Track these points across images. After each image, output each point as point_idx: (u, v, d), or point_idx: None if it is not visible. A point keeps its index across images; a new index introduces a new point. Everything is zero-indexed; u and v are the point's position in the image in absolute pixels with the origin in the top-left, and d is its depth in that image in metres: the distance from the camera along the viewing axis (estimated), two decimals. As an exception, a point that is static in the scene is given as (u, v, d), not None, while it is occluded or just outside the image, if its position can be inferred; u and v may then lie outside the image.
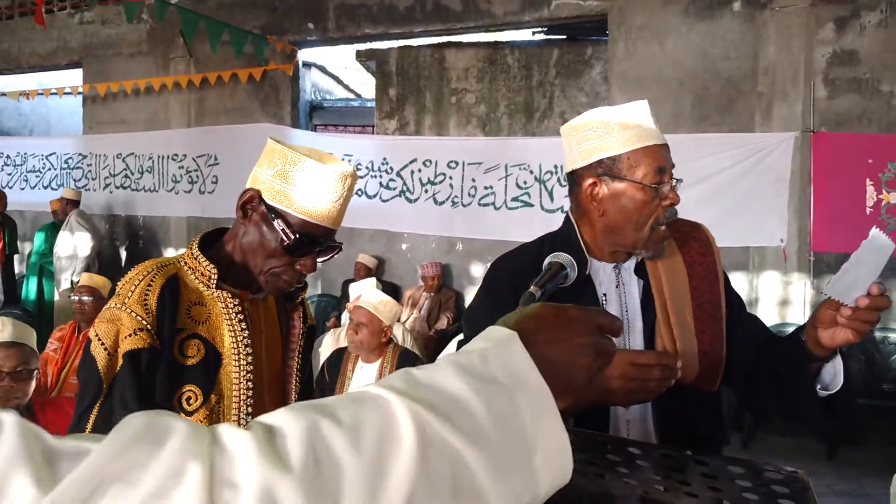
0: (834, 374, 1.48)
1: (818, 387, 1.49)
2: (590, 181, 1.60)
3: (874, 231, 1.33)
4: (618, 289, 1.62)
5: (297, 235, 1.49)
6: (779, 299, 5.85)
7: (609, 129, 1.57)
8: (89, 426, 1.42)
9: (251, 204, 1.53)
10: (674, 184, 1.55)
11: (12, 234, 8.33)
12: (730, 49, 6.07)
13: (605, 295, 1.61)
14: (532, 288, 1.40)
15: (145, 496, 0.48)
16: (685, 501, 1.26)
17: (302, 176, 1.48)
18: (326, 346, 4.44)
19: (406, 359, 3.71)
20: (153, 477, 0.49)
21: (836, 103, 5.78)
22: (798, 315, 5.81)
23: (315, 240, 1.52)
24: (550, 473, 0.64)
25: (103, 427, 1.42)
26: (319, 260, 1.57)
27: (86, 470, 0.48)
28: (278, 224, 1.49)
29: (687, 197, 5.92)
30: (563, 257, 1.50)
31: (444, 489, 0.57)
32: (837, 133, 5.73)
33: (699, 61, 6.16)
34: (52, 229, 7.96)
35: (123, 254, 9.00)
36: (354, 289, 4.56)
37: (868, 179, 5.64)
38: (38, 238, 7.96)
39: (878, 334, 5.74)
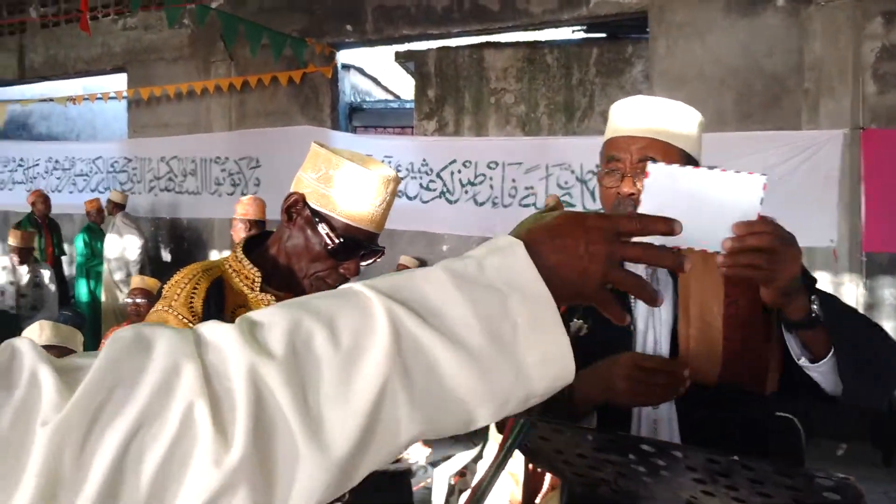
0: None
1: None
2: None
3: (651, 166, 1.18)
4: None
5: (341, 239, 1.50)
6: (826, 300, 5.73)
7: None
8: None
9: (296, 208, 1.54)
10: (631, 176, 1.51)
11: (59, 237, 8.53)
12: (774, 45, 5.96)
13: None
14: None
15: (150, 394, 0.54)
16: (733, 508, 1.24)
17: (345, 180, 1.49)
18: None
19: None
20: (153, 376, 0.55)
21: (886, 99, 5.63)
22: (847, 316, 5.67)
23: (359, 243, 1.53)
24: (547, 374, 0.68)
25: None
26: (363, 263, 1.58)
27: (93, 379, 0.54)
28: (322, 228, 1.50)
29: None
30: None
31: (418, 383, 0.62)
32: (888, 130, 5.58)
33: (742, 58, 6.06)
34: (89, 232, 8.11)
35: (168, 256, 9.16)
36: None
37: (921, 177, 5.50)
38: (78, 241, 8.12)
39: (931, 334, 5.59)
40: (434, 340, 0.63)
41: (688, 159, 1.54)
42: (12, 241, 6.09)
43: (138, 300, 4.54)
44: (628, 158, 1.53)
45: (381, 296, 0.64)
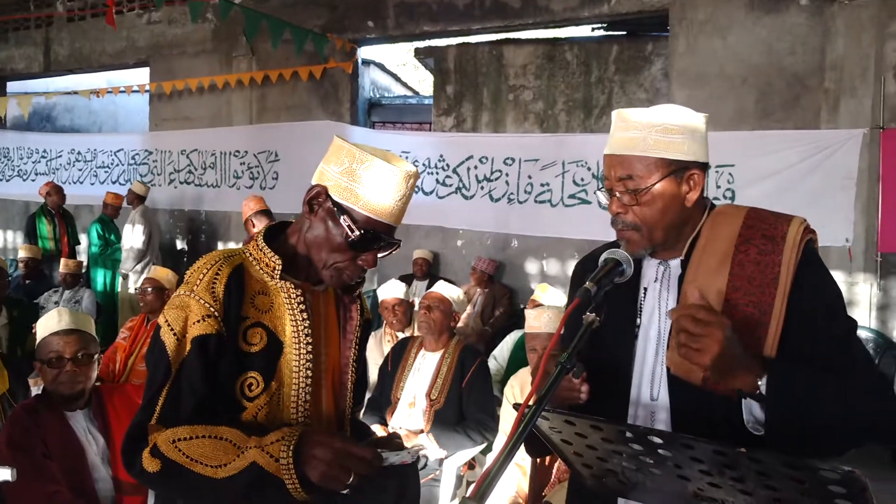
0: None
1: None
2: None
3: None
4: (656, 282, 1.63)
5: (362, 231, 1.53)
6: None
7: None
8: (158, 409, 1.47)
9: (318, 200, 1.57)
10: (616, 195, 1.57)
11: (74, 228, 8.66)
12: (796, 44, 5.93)
13: (645, 289, 1.64)
14: (588, 284, 1.42)
15: None
16: (739, 499, 1.26)
17: (369, 175, 1.52)
18: (370, 348, 4.51)
19: (468, 353, 3.76)
20: None
21: (907, 99, 5.60)
22: (863, 317, 5.65)
23: (378, 236, 1.55)
24: None
25: (172, 410, 1.47)
26: (379, 255, 1.61)
27: None
28: (344, 220, 1.53)
29: (750, 194, 5.77)
30: (619, 254, 1.52)
31: None
32: (909, 130, 5.55)
33: (763, 57, 6.03)
34: (101, 223, 8.23)
35: (185, 248, 9.25)
36: (382, 291, 4.75)
37: (940, 178, 5.45)
38: (92, 232, 8.24)
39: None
40: None
41: (672, 166, 1.53)
42: (63, 268, 6.64)
43: (147, 289, 4.65)
44: (612, 177, 1.57)
45: None
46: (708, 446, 1.19)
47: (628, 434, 1.30)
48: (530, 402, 1.22)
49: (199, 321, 1.49)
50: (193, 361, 1.48)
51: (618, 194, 1.56)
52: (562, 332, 1.41)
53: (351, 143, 1.56)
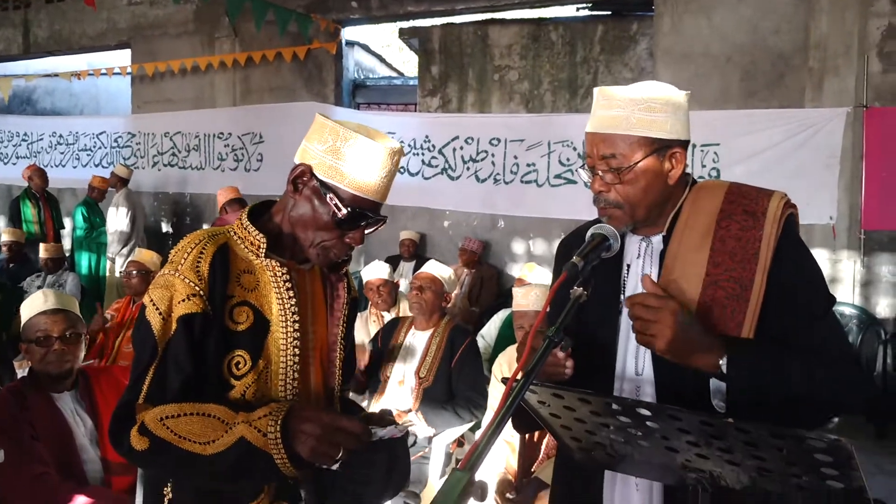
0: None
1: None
2: None
3: None
4: (639, 258, 1.63)
5: (349, 209, 1.52)
6: (827, 278, 5.67)
7: None
8: (145, 388, 1.47)
9: (303, 178, 1.56)
10: (599, 174, 1.57)
11: (58, 211, 8.60)
12: (781, 22, 5.93)
13: (628, 265, 1.64)
14: (575, 258, 1.42)
15: None
16: (727, 469, 1.27)
17: (354, 152, 1.51)
18: (356, 329, 4.53)
19: (458, 332, 3.77)
20: None
21: (890, 78, 5.61)
22: (847, 294, 5.70)
23: (364, 214, 1.55)
24: None
25: (159, 389, 1.47)
26: (366, 232, 1.60)
27: None
28: (330, 199, 1.52)
29: (735, 173, 5.79)
30: (606, 229, 1.53)
31: None
32: (891, 108, 5.57)
33: (748, 35, 6.03)
34: (86, 206, 8.19)
35: (170, 230, 9.20)
36: (366, 272, 4.75)
37: (923, 156, 5.49)
38: (77, 215, 8.19)
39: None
40: None
41: (655, 144, 1.53)
42: (43, 253, 6.58)
43: (132, 272, 4.63)
44: (595, 154, 1.56)
45: None
46: (695, 417, 1.20)
47: (616, 406, 1.31)
48: (518, 377, 1.22)
49: (184, 300, 1.48)
50: (179, 340, 1.47)
51: (600, 173, 1.56)
52: (548, 309, 1.41)
53: (335, 120, 1.55)
